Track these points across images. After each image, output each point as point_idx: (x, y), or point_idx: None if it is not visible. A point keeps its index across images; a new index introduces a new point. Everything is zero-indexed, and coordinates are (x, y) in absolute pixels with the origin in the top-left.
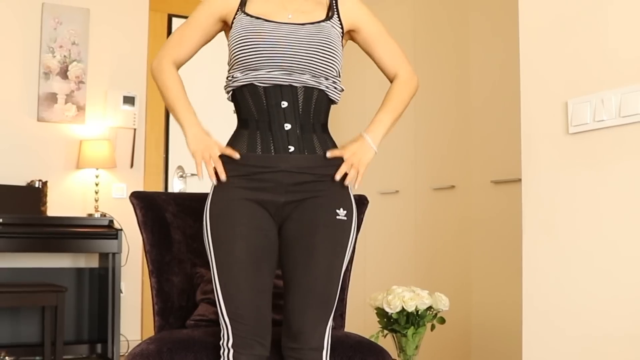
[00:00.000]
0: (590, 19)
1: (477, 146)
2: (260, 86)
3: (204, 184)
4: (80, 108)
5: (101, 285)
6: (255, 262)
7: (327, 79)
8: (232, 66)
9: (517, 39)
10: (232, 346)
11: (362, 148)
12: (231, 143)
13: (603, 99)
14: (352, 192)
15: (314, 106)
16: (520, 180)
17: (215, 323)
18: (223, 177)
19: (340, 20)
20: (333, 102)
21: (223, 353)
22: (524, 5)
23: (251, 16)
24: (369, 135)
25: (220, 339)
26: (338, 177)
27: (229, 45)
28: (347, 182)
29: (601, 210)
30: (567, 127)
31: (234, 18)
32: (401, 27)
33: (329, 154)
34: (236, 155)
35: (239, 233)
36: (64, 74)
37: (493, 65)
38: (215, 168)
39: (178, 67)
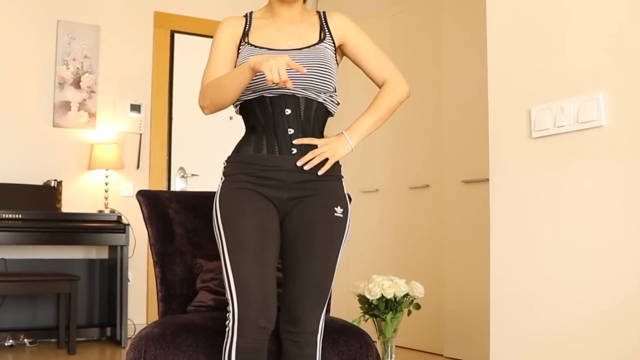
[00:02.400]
0: (551, 35)
1: (450, 149)
2: (267, 97)
3: (203, 184)
4: (92, 115)
5: (110, 275)
6: (261, 239)
7: (324, 94)
8: None
9: (486, 53)
10: (238, 318)
11: (339, 142)
12: (239, 146)
13: (563, 106)
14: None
15: (314, 114)
16: (488, 179)
17: (213, 309)
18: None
19: (332, 38)
20: (330, 114)
21: (228, 324)
22: (492, 23)
23: (254, 46)
24: (347, 133)
25: (218, 323)
26: (299, 163)
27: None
28: (307, 167)
29: (561, 206)
30: (530, 132)
31: (240, 46)
32: (381, 40)
33: (297, 141)
34: (303, 69)
35: (247, 213)
36: (77, 84)
37: (464, 76)
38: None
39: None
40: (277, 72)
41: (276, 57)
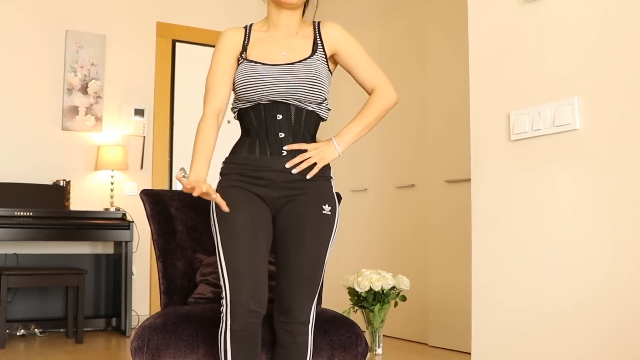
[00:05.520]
0: (528, 45)
1: (434, 151)
2: (261, 104)
3: None
4: (98, 119)
5: (116, 269)
6: (253, 230)
7: (314, 104)
8: (238, 98)
9: (468, 60)
10: (230, 302)
11: (327, 148)
12: (235, 148)
13: (540, 111)
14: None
15: (304, 119)
16: (470, 179)
17: (212, 301)
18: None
19: (324, 50)
20: (322, 119)
21: (222, 309)
22: (473, 33)
23: (251, 61)
24: (336, 139)
25: (216, 314)
26: (288, 165)
27: (234, 82)
28: (294, 170)
29: (538, 205)
30: (509, 135)
31: (238, 60)
32: (369, 48)
33: (287, 147)
34: (224, 208)
35: (240, 207)
36: (84, 90)
37: (447, 82)
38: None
39: (222, 112)
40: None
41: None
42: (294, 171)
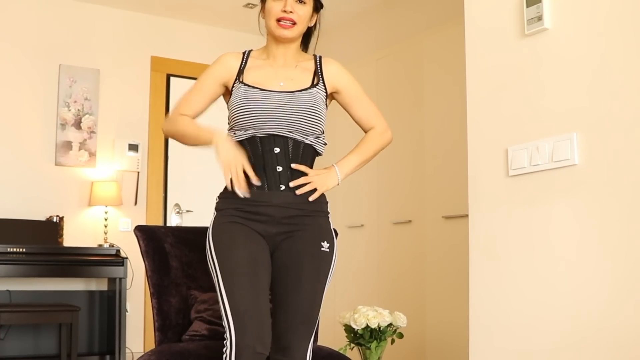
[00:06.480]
0: (526, 79)
1: (431, 186)
2: (257, 136)
3: (198, 219)
4: (92, 154)
5: (109, 306)
6: (253, 267)
7: (311, 136)
8: (232, 126)
9: (465, 95)
10: (236, 344)
11: (329, 175)
12: (230, 182)
13: (538, 146)
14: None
15: (302, 153)
16: (467, 215)
17: (207, 338)
18: (247, 194)
19: (324, 85)
20: (318, 153)
21: (225, 351)
22: (471, 66)
23: (248, 85)
24: (337, 166)
25: (211, 351)
26: (293, 184)
27: (228, 108)
28: (298, 191)
29: (536, 241)
30: (507, 170)
31: (233, 85)
32: (365, 83)
33: (294, 166)
34: (255, 182)
35: (239, 244)
36: (77, 125)
37: (445, 117)
38: (240, 181)
39: None
40: (235, 171)
41: (236, 156)
42: (297, 192)
